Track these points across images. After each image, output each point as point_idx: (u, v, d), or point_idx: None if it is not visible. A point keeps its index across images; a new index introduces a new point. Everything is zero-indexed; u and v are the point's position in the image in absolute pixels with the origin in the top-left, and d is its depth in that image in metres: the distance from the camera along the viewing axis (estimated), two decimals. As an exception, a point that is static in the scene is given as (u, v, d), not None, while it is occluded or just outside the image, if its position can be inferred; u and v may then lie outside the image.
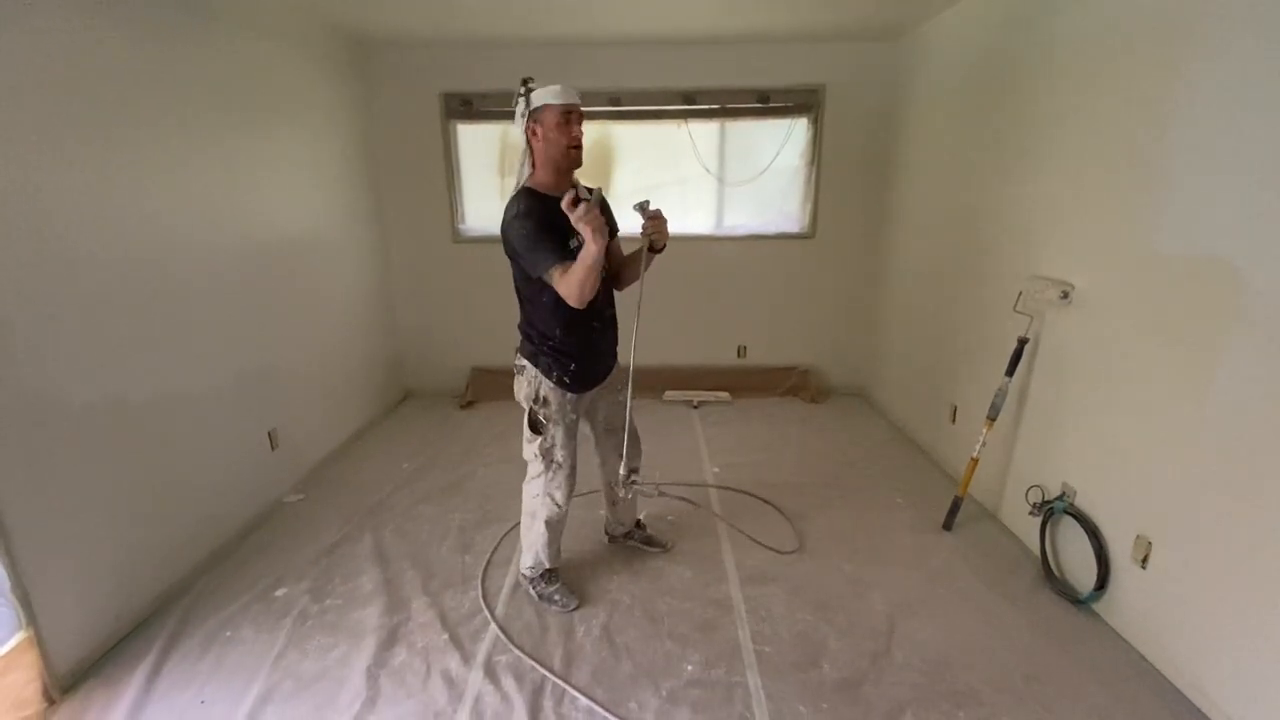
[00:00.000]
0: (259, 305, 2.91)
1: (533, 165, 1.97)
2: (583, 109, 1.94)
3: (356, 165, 3.90)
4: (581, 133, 1.93)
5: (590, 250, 1.73)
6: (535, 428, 2.09)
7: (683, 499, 2.61)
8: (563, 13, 3.26)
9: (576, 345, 2.04)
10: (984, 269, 2.94)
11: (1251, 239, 1.67)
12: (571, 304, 1.83)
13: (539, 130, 1.91)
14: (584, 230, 1.73)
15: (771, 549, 2.58)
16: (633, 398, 2.14)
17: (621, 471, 2.25)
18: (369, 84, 4.03)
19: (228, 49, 2.71)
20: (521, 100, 1.91)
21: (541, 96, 1.88)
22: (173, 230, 2.38)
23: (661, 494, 2.62)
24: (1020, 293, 2.57)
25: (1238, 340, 1.70)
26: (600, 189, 1.85)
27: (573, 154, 1.93)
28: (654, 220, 1.89)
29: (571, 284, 1.79)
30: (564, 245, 1.88)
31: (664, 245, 1.94)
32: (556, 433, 2.09)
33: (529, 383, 2.08)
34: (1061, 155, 2.40)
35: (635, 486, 2.44)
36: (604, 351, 2.17)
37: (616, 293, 2.19)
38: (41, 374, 1.87)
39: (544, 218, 1.88)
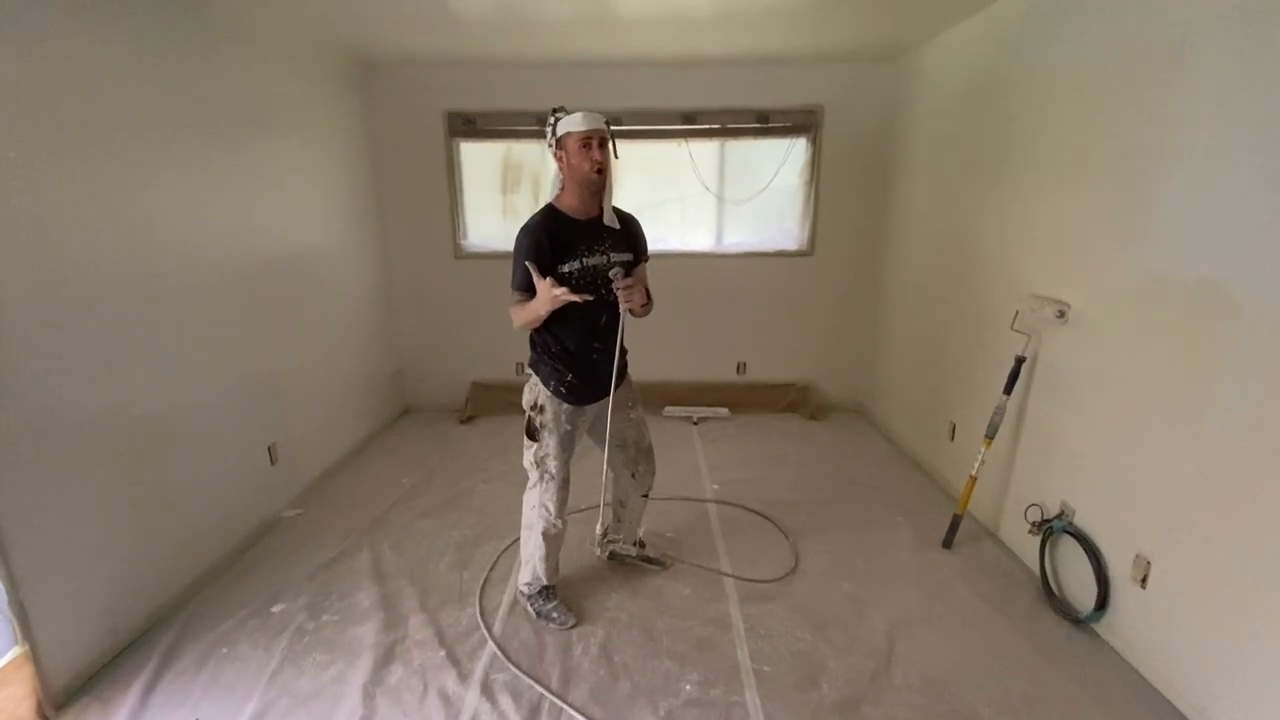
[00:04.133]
0: (261, 319, 2.93)
1: (562, 186, 2.07)
2: (606, 132, 2.00)
3: (360, 181, 3.94)
4: (602, 156, 1.98)
5: (539, 312, 1.96)
6: (531, 434, 2.15)
7: (658, 562, 2.56)
8: (565, 34, 3.32)
9: (575, 360, 2.09)
10: (981, 287, 2.96)
11: (1241, 260, 1.69)
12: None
13: (564, 156, 2.00)
14: (560, 300, 1.91)
15: (759, 580, 2.51)
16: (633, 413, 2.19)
17: (598, 530, 2.24)
18: (374, 102, 4.08)
19: (234, 65, 2.76)
20: (549, 128, 2.01)
21: (565, 125, 1.97)
22: (175, 243, 2.41)
23: (640, 545, 2.60)
24: (1017, 311, 2.59)
25: (1232, 359, 1.72)
26: (620, 267, 2.03)
27: (595, 177, 2.00)
28: (623, 290, 2.00)
29: (515, 316, 2.03)
30: (554, 267, 1.98)
31: (642, 308, 2.06)
32: (551, 442, 2.13)
33: (530, 389, 2.15)
34: (1055, 175, 2.43)
35: (611, 546, 2.54)
36: (604, 373, 2.15)
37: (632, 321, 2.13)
38: (41, 387, 1.87)
39: (552, 234, 1.99)
